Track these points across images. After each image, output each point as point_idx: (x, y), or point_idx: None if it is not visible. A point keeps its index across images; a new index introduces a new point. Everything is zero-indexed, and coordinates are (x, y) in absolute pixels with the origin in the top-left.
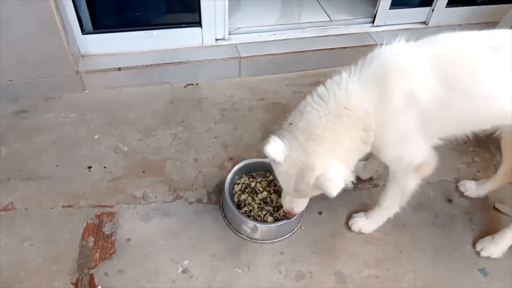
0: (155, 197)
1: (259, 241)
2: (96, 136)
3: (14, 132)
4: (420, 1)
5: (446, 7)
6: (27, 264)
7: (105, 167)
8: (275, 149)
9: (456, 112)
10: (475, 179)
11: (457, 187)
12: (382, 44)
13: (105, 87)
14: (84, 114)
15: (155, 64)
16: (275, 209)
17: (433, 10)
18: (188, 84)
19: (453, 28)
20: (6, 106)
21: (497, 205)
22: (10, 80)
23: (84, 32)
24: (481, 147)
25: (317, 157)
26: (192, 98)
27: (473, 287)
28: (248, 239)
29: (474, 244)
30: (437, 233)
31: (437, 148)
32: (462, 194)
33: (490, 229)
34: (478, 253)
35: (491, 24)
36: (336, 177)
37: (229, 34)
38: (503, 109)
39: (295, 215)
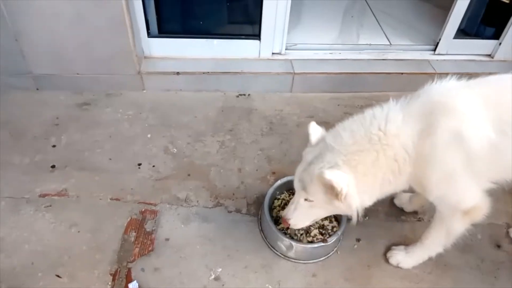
0: (197, 201)
1: (293, 260)
2: (149, 135)
3: (75, 123)
4: (487, 33)
5: None
6: (72, 250)
7: (153, 166)
8: (316, 128)
9: (506, 155)
10: None
11: (507, 232)
12: (435, 78)
13: (163, 89)
14: (140, 113)
15: (212, 72)
16: (312, 230)
17: (500, 44)
18: (240, 94)
19: None
20: (71, 97)
21: None
22: (77, 74)
23: (149, 35)
24: None
25: (331, 152)
26: (243, 108)
27: None
28: (282, 256)
29: None
30: (481, 279)
31: (489, 190)
32: None
33: None
34: None
35: None
36: (338, 174)
37: (285, 49)
38: None
39: (288, 225)
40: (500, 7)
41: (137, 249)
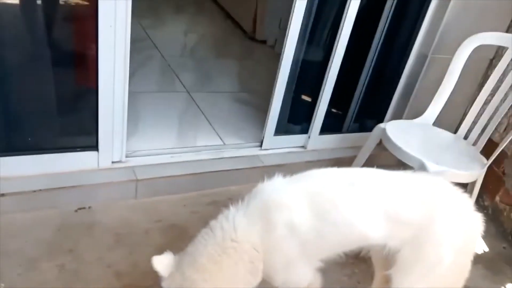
0: None
1: None
2: None
3: None
4: (299, 130)
5: (319, 134)
6: None
7: None
8: (162, 262)
9: (328, 237)
10: None
11: None
12: (264, 178)
13: None
14: None
15: (45, 189)
16: None
17: (309, 137)
18: (80, 208)
19: (327, 151)
20: None
21: None
22: None
23: None
24: (359, 259)
25: (192, 284)
26: (84, 223)
27: None
28: None
29: None
30: None
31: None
32: None
33: None
34: None
35: (356, 148)
36: None
37: (126, 157)
38: (362, 233)
39: None
40: (305, 106)
41: None
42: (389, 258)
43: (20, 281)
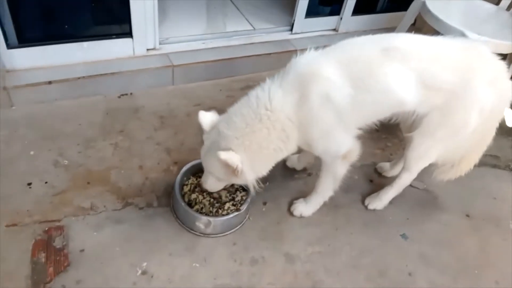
0: (104, 206)
1: (213, 236)
2: (32, 152)
3: None
4: (330, 11)
5: (351, 16)
6: None
7: (46, 182)
8: (206, 117)
9: (363, 105)
10: (389, 160)
11: (375, 169)
12: (297, 53)
13: (36, 101)
14: (15, 131)
15: (87, 76)
16: (224, 203)
17: (341, 18)
18: (122, 95)
19: (359, 34)
20: None
21: None
22: None
23: (9, 46)
24: (391, 134)
25: (224, 139)
26: (128, 107)
27: (397, 251)
28: (202, 235)
29: (394, 215)
30: (363, 209)
31: (358, 136)
32: (380, 175)
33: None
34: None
35: (390, 29)
36: (230, 154)
37: (159, 44)
38: (398, 99)
39: (205, 188)
40: None
41: (51, 269)
42: (414, 124)
43: (81, 158)
